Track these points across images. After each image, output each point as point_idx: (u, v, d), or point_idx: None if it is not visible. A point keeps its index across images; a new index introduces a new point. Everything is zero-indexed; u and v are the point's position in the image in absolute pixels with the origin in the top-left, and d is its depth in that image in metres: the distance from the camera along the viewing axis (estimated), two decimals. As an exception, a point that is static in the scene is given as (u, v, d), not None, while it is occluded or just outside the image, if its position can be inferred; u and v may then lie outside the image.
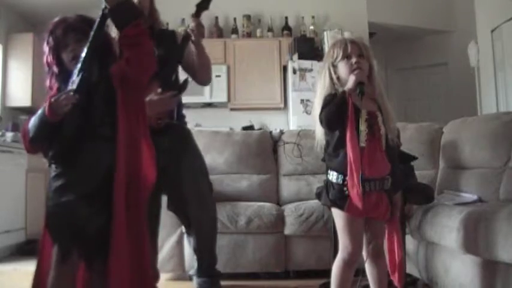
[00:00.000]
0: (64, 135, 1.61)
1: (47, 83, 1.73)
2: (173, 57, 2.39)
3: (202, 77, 2.54)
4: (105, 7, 1.61)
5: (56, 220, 1.60)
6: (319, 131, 1.85)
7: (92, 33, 1.61)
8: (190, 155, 2.47)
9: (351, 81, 1.75)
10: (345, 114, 1.72)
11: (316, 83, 2.10)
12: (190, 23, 2.37)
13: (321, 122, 1.78)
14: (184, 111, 2.60)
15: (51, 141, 1.64)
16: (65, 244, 1.58)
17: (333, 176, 1.79)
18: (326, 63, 1.87)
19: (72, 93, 1.57)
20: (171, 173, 2.38)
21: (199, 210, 2.45)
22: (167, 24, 2.58)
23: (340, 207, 1.76)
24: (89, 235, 1.59)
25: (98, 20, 1.63)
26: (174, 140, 2.40)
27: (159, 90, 2.28)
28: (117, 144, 1.61)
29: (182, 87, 2.40)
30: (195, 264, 2.54)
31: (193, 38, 2.35)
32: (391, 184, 1.79)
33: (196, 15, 2.33)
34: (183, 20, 5.18)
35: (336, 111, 1.74)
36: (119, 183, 1.60)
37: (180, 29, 2.54)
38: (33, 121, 1.65)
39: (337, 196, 1.77)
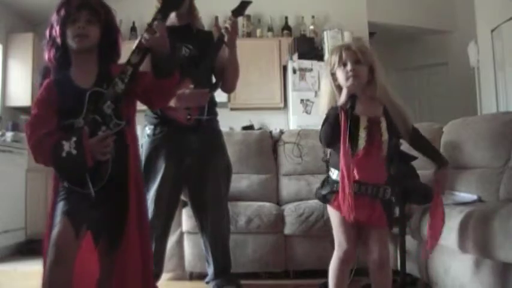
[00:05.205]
0: None
1: (46, 55, 1.67)
2: (207, 58, 2.37)
3: (230, 83, 2.50)
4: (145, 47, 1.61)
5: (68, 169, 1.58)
6: None
7: (131, 70, 1.60)
8: (217, 159, 2.46)
9: (343, 96, 1.78)
10: (339, 131, 1.73)
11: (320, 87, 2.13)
12: (227, 22, 2.34)
13: (320, 141, 1.84)
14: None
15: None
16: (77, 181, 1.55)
17: (333, 173, 1.81)
18: (326, 71, 1.90)
19: (110, 131, 1.57)
20: (196, 174, 2.40)
21: (217, 214, 2.46)
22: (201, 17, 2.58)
23: (328, 201, 1.81)
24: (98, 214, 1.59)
25: (140, 54, 1.62)
26: (204, 142, 2.40)
27: (191, 86, 2.30)
28: (128, 141, 1.63)
29: (214, 86, 2.44)
30: (210, 270, 2.52)
31: (226, 39, 2.33)
32: (397, 194, 1.81)
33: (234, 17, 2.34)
34: (216, 17, 5.27)
35: (331, 131, 1.77)
36: (132, 178, 1.62)
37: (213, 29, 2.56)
38: (60, 159, 1.51)
39: (328, 191, 1.82)
